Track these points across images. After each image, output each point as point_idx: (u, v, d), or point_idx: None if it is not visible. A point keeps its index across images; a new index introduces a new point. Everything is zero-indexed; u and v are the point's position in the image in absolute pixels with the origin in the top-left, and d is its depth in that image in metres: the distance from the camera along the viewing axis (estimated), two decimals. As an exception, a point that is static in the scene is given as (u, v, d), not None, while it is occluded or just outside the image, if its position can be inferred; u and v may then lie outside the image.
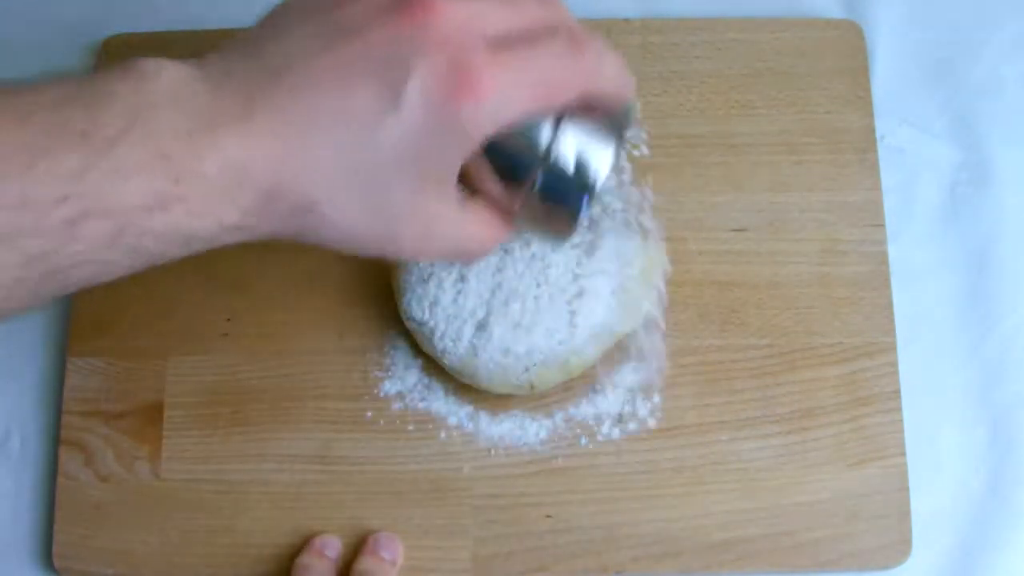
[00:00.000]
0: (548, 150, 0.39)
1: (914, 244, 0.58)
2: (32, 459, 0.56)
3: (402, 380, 0.55)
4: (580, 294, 0.50)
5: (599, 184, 0.39)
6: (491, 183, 0.40)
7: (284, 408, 0.55)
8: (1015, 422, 0.55)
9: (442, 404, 0.55)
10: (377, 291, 0.56)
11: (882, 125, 0.59)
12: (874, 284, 0.56)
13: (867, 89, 0.59)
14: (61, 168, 0.31)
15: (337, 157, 0.35)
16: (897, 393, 0.54)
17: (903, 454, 0.53)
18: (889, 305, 0.56)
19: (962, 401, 0.56)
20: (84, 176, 0.32)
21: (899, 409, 0.54)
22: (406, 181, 0.36)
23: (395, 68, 0.34)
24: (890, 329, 0.55)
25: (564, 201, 0.40)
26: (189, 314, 0.56)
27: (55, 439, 0.55)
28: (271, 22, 0.36)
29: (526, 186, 0.39)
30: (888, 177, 0.58)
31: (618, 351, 0.54)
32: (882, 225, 0.57)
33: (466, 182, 0.40)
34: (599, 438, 0.54)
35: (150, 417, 0.55)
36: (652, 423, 0.54)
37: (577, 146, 0.39)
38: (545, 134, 0.38)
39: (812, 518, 0.53)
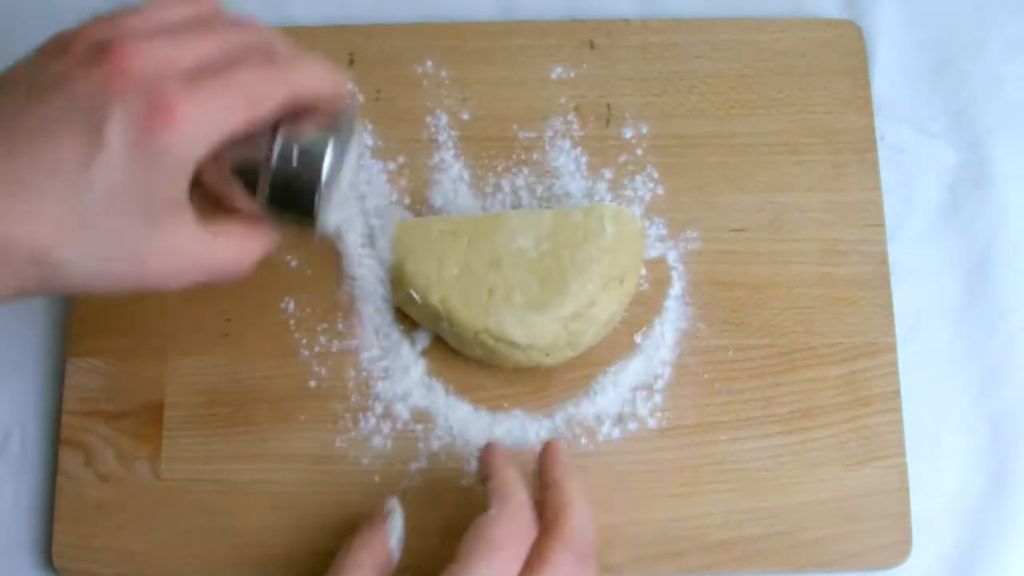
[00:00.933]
0: (266, 158, 0.41)
1: (914, 244, 0.58)
2: (32, 459, 0.56)
3: (402, 381, 0.55)
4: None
5: (323, 180, 0.42)
6: (242, 199, 0.43)
7: (284, 408, 0.55)
8: (1015, 422, 0.55)
9: (442, 404, 0.55)
10: (378, 292, 0.56)
11: (882, 125, 0.59)
12: (874, 284, 0.56)
13: (867, 89, 0.59)
14: None
15: (59, 205, 0.37)
16: (897, 393, 0.54)
17: (903, 454, 0.53)
18: (889, 305, 0.56)
19: (962, 401, 0.56)
20: None
21: (899, 409, 0.54)
22: (132, 216, 0.38)
23: (95, 114, 0.37)
24: (890, 329, 0.55)
25: (295, 202, 0.42)
26: (189, 314, 0.56)
27: (55, 439, 0.55)
28: None
29: (257, 197, 0.42)
30: (888, 177, 0.58)
31: (620, 350, 0.54)
32: (882, 225, 0.57)
33: (221, 202, 0.43)
34: (599, 438, 0.54)
35: (150, 417, 0.55)
36: (652, 423, 0.54)
37: (293, 148, 0.41)
38: (264, 144, 0.41)
39: (812, 518, 0.53)
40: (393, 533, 0.49)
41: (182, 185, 0.39)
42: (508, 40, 0.60)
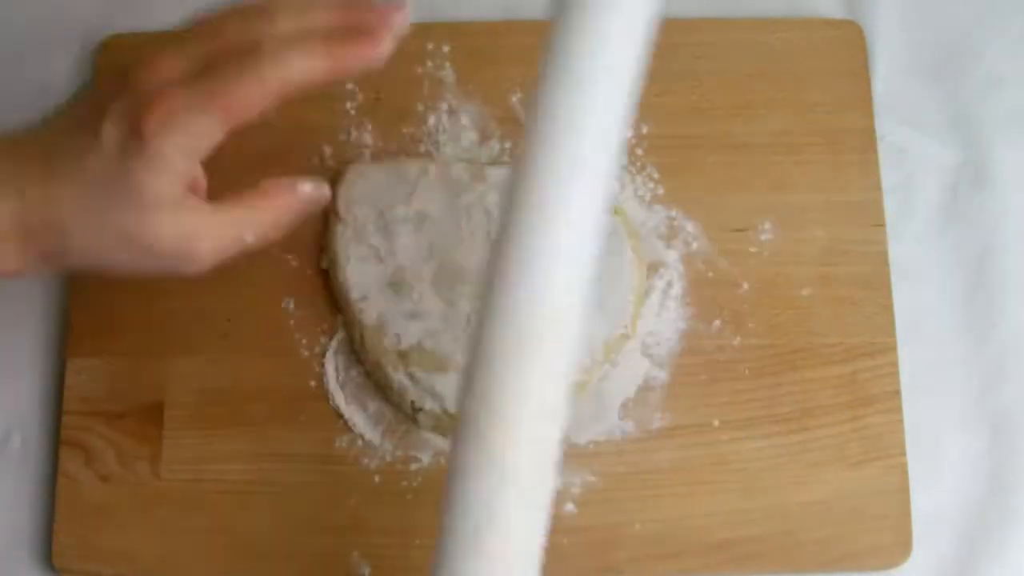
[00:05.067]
0: None
1: (914, 244, 0.58)
2: (32, 459, 0.56)
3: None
4: None
5: None
6: None
7: (284, 408, 0.55)
8: (1015, 422, 0.55)
9: (442, 404, 0.55)
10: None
11: (882, 125, 0.59)
12: (874, 284, 0.56)
13: (867, 89, 0.59)
14: None
15: (70, 191, 0.42)
16: (897, 393, 0.54)
17: (903, 454, 0.53)
18: (889, 305, 0.56)
19: (962, 401, 0.56)
20: None
21: (899, 409, 0.54)
22: (129, 202, 0.42)
23: (98, 117, 0.42)
24: (890, 329, 0.55)
25: None
26: (189, 314, 0.56)
27: (55, 439, 0.55)
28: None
29: None
30: (888, 177, 0.58)
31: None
32: (882, 225, 0.57)
33: None
34: (599, 438, 0.54)
35: (150, 417, 0.55)
36: (652, 423, 0.54)
37: None
38: None
39: (812, 518, 0.53)
40: None
41: (168, 176, 0.42)
42: (510, 40, 0.60)
